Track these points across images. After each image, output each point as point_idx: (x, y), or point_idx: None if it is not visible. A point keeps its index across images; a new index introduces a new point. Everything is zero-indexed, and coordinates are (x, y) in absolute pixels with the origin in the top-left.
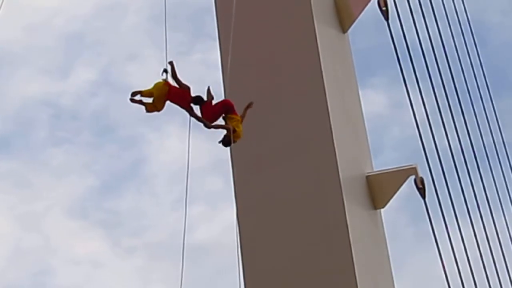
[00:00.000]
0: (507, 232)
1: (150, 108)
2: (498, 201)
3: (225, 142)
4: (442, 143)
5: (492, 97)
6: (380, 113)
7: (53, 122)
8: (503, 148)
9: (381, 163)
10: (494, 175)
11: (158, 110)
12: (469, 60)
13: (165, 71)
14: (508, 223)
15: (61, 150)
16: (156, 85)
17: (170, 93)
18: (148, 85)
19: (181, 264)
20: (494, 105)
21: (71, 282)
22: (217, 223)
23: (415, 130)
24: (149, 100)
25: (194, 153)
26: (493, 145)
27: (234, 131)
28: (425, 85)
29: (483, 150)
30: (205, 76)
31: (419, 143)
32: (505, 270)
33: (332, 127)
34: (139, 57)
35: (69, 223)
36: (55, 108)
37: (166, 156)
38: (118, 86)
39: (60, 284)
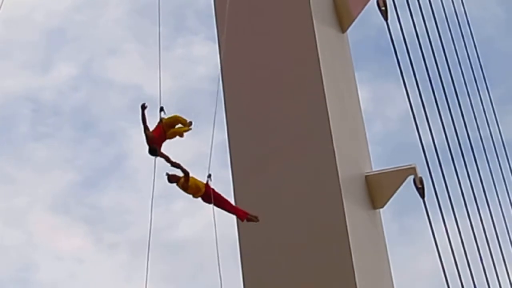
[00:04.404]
0: (504, 228)
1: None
2: (483, 196)
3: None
4: (428, 138)
5: (476, 91)
6: (363, 108)
7: (34, 117)
8: (479, 141)
9: None
10: (477, 169)
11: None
12: (464, 57)
13: (162, 109)
14: (505, 219)
15: (42, 145)
16: None
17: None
18: (130, 80)
19: (164, 260)
20: (491, 101)
21: (54, 278)
22: (199, 219)
23: (398, 125)
24: None
25: (176, 150)
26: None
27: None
28: (411, 82)
29: (469, 145)
30: (188, 71)
31: (403, 138)
32: (504, 267)
33: (331, 126)
34: (120, 51)
35: (52, 218)
36: (36, 103)
37: (147, 151)
38: (99, 81)
39: (43, 279)
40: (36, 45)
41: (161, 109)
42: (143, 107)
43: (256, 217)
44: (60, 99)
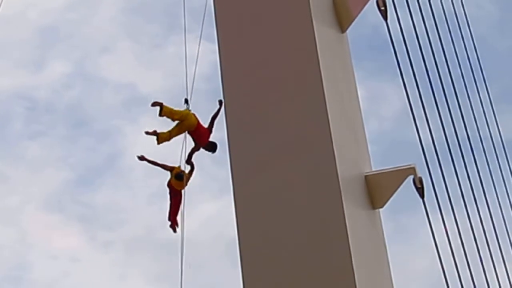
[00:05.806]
0: (504, 227)
1: (161, 139)
2: (473, 195)
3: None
4: (424, 137)
5: (471, 91)
6: None
7: (28, 115)
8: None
9: None
10: (470, 169)
11: (169, 139)
12: (460, 56)
13: (186, 101)
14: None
15: (36, 143)
16: (184, 113)
17: (197, 128)
18: (123, 78)
19: (158, 259)
20: (491, 101)
21: (48, 277)
22: (195, 218)
23: (392, 124)
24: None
25: (169, 149)
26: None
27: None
28: (409, 80)
29: (464, 143)
30: (181, 69)
31: (398, 137)
32: (503, 267)
33: (331, 126)
34: (113, 49)
35: (46, 217)
36: (30, 101)
37: (142, 149)
38: (93, 79)
39: (37, 278)
40: (29, 43)
41: (186, 101)
42: (222, 103)
43: (174, 229)
44: (53, 97)
